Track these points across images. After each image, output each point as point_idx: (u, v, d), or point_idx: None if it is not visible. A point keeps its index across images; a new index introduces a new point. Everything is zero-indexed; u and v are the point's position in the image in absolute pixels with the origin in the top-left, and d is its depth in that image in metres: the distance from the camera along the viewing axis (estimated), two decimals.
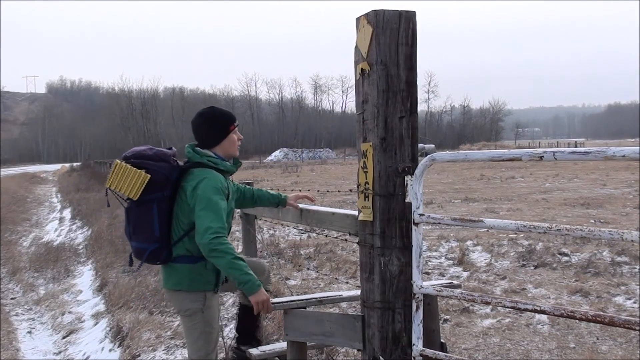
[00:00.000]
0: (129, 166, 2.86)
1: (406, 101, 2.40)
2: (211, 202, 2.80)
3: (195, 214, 2.80)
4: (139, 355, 4.26)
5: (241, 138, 3.11)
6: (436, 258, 7.61)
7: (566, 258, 7.13)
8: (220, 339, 4.24)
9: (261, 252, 6.39)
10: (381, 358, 2.40)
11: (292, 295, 3.71)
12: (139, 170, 2.84)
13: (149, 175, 2.83)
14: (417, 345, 2.29)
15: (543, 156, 1.85)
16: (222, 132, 3.02)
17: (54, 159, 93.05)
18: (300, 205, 3.35)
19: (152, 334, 4.60)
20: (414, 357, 2.30)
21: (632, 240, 1.66)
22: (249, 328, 3.51)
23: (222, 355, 4.02)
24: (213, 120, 3.03)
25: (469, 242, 8.40)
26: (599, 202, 13.15)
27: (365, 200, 2.43)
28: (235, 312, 5.16)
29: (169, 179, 2.89)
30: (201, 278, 2.91)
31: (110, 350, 4.64)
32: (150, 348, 4.35)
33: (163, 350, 4.31)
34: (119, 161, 2.93)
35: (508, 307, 2.09)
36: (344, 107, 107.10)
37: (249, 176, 27.01)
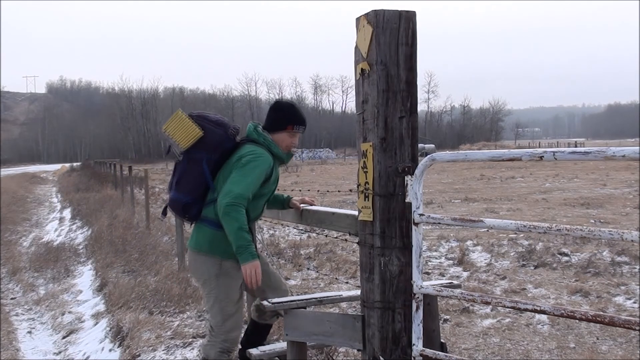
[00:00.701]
0: (189, 120, 3.07)
1: (406, 101, 2.40)
2: (247, 171, 2.97)
3: (230, 175, 2.98)
4: (139, 355, 4.26)
5: (295, 144, 3.23)
6: (436, 258, 7.61)
7: (566, 258, 7.13)
8: None
9: (261, 252, 6.38)
10: (381, 358, 2.40)
11: (292, 295, 3.70)
12: (195, 126, 3.06)
13: (202, 133, 3.05)
14: (417, 345, 2.29)
15: (543, 156, 1.85)
16: (277, 125, 3.18)
17: (54, 159, 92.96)
18: (301, 206, 3.37)
19: (152, 334, 4.60)
20: (414, 357, 2.30)
21: (632, 240, 1.66)
22: (254, 345, 3.46)
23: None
24: (276, 111, 3.22)
25: (469, 242, 8.40)
26: (599, 202, 13.15)
27: (365, 200, 2.43)
28: None
29: (221, 145, 3.10)
30: (221, 245, 3.04)
31: (110, 350, 4.64)
32: (150, 348, 4.35)
33: (163, 350, 4.31)
34: (180, 111, 3.12)
35: (508, 307, 2.09)
36: (344, 107, 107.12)
37: None
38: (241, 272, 3.06)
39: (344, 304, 5.13)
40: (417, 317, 2.29)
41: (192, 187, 3.09)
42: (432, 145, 58.38)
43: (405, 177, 2.36)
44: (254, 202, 3.09)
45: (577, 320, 4.11)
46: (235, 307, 3.13)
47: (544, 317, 4.84)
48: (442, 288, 2.33)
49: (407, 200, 2.35)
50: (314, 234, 8.44)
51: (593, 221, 10.22)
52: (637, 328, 1.66)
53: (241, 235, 2.86)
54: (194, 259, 3.15)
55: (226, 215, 2.87)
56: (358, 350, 2.61)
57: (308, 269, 7.14)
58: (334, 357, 3.83)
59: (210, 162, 3.09)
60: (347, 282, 6.12)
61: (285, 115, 3.19)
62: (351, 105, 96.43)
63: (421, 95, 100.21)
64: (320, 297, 3.02)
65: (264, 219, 4.47)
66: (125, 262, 7.37)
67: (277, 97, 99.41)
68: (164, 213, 3.35)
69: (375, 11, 2.36)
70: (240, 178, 2.95)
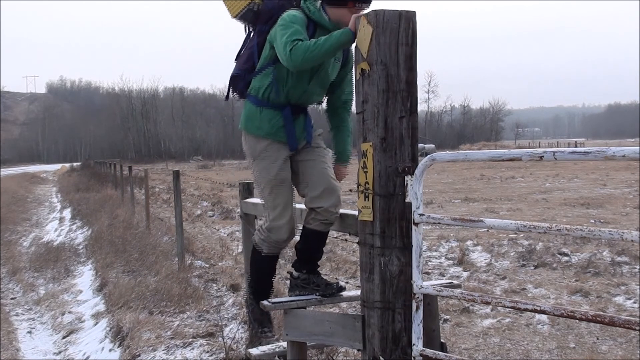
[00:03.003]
0: None
1: (406, 101, 2.40)
2: (285, 21, 2.78)
3: (276, 38, 2.80)
4: (139, 355, 4.25)
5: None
6: (436, 258, 7.61)
7: (566, 258, 7.13)
8: (220, 339, 4.25)
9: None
10: (381, 358, 2.40)
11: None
12: None
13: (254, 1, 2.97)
14: (417, 345, 2.29)
15: (543, 156, 1.85)
16: None
17: (54, 159, 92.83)
18: (297, 206, 3.32)
19: (152, 334, 4.59)
20: (414, 357, 2.30)
21: (632, 240, 1.66)
22: (311, 253, 3.07)
23: (222, 355, 4.02)
24: None
25: (469, 242, 8.40)
26: (599, 202, 13.15)
27: (365, 200, 2.43)
28: (235, 312, 5.16)
29: (272, 14, 2.95)
30: (255, 121, 2.97)
31: (110, 350, 4.64)
32: (150, 348, 4.35)
33: (163, 350, 4.31)
34: None
35: (508, 307, 2.09)
36: None
37: (249, 176, 26.97)
38: (277, 157, 2.95)
39: (344, 304, 5.13)
40: (417, 317, 2.29)
41: (244, 60, 3.02)
42: (432, 145, 58.39)
43: (405, 177, 2.36)
44: (296, 76, 2.87)
45: (577, 320, 4.11)
46: (276, 194, 2.95)
47: (544, 317, 4.84)
48: (442, 288, 2.33)
49: (407, 200, 2.35)
50: None
51: (593, 221, 10.22)
52: (637, 328, 1.66)
53: (319, 46, 2.58)
54: (242, 139, 3.08)
55: (301, 62, 2.63)
56: (358, 350, 2.61)
57: None
58: (334, 357, 3.83)
59: (261, 34, 2.96)
60: (347, 282, 6.11)
61: None
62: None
63: (421, 95, 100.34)
64: (320, 297, 3.01)
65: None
66: (125, 262, 7.36)
67: None
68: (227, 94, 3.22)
69: (375, 11, 2.36)
70: (281, 30, 2.74)
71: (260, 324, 3.14)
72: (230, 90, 3.16)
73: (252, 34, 3.06)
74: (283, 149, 2.97)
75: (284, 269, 7.02)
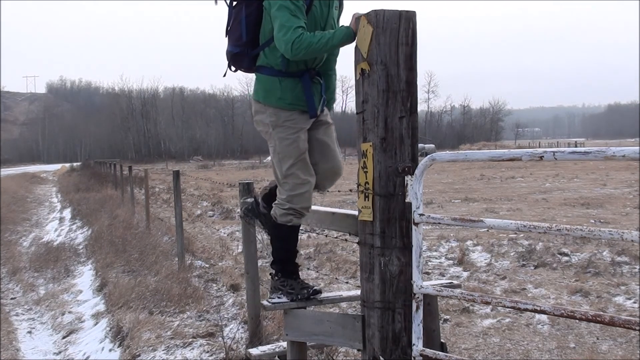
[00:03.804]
0: None
1: (406, 101, 2.40)
2: (276, 7, 2.69)
3: (272, 16, 2.72)
4: (139, 355, 4.25)
5: None
6: (436, 258, 7.60)
7: (566, 258, 7.13)
8: (220, 339, 4.26)
9: (261, 252, 6.39)
10: (381, 358, 2.40)
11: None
12: None
13: None
14: (417, 345, 2.29)
15: (543, 156, 1.85)
16: None
17: (54, 159, 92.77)
18: None
19: (152, 334, 4.59)
20: (414, 357, 2.30)
21: (632, 240, 1.66)
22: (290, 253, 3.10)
23: (222, 355, 4.02)
24: None
25: (469, 242, 8.40)
26: (599, 202, 13.15)
27: (365, 200, 2.43)
28: (235, 312, 5.16)
29: None
30: (276, 93, 2.86)
31: (110, 350, 4.64)
32: (150, 348, 4.35)
33: (163, 350, 4.31)
34: None
35: (508, 307, 2.10)
36: (344, 107, 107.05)
37: (249, 176, 27.00)
38: (299, 127, 2.85)
39: (344, 304, 5.13)
40: (417, 317, 2.29)
41: (237, 36, 2.89)
42: (432, 145, 58.35)
43: (405, 177, 2.36)
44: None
45: (577, 320, 4.12)
46: (296, 166, 2.86)
47: (544, 317, 4.84)
48: (442, 288, 2.33)
49: (407, 200, 2.35)
50: (314, 234, 8.43)
51: (593, 221, 10.22)
52: (637, 328, 1.66)
53: (324, 42, 2.58)
54: (254, 109, 2.96)
55: (299, 54, 2.62)
56: (358, 350, 2.61)
57: (308, 269, 7.13)
58: (334, 357, 3.83)
59: (250, 5, 2.84)
60: (347, 282, 6.11)
61: None
62: (351, 105, 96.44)
63: (421, 95, 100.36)
64: (320, 297, 3.02)
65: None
66: (125, 262, 7.37)
67: None
68: (229, 67, 3.08)
69: (375, 11, 2.37)
70: (281, 12, 2.66)
71: (304, 287, 2.98)
72: (230, 67, 3.05)
73: (234, 4, 2.92)
74: (305, 119, 2.90)
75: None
